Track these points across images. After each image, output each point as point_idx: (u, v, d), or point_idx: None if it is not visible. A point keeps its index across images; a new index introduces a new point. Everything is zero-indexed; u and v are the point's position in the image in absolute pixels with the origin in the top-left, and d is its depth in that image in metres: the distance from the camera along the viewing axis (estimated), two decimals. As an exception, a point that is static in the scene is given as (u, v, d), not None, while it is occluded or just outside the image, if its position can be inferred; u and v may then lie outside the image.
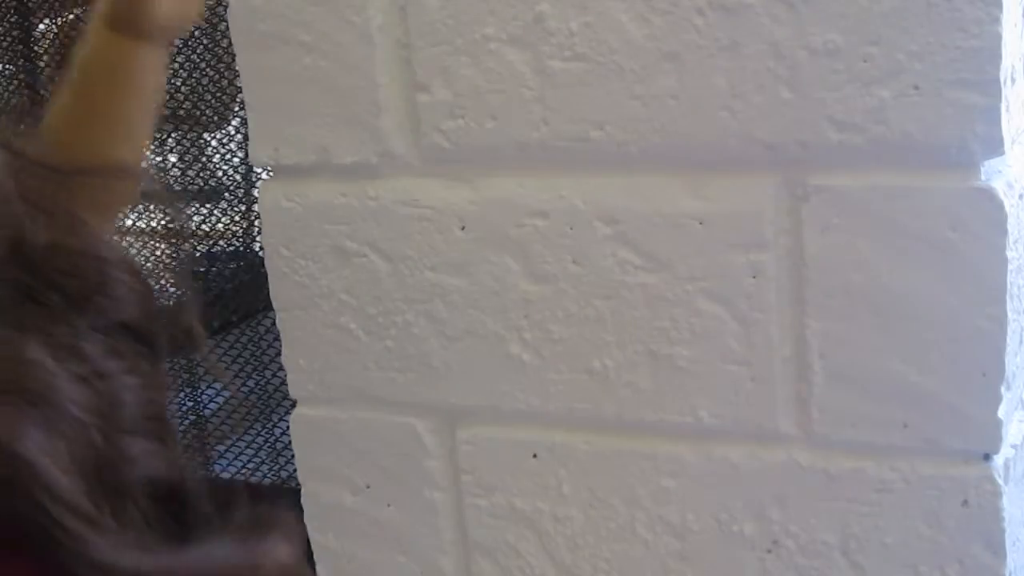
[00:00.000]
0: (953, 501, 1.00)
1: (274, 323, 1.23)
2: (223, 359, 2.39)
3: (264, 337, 2.54)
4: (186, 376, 2.52)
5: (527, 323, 1.11)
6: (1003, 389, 0.97)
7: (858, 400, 1.01)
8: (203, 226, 2.45)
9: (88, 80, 0.96)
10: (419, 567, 1.22)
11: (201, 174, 2.49)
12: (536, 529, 1.16)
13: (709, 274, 1.04)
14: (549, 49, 1.04)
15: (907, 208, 0.97)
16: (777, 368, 1.03)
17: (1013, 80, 0.95)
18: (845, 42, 0.95)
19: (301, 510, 1.24)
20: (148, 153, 0.95)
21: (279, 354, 1.24)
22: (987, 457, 0.99)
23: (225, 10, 1.20)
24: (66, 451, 0.53)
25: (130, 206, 0.72)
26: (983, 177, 0.95)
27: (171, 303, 0.65)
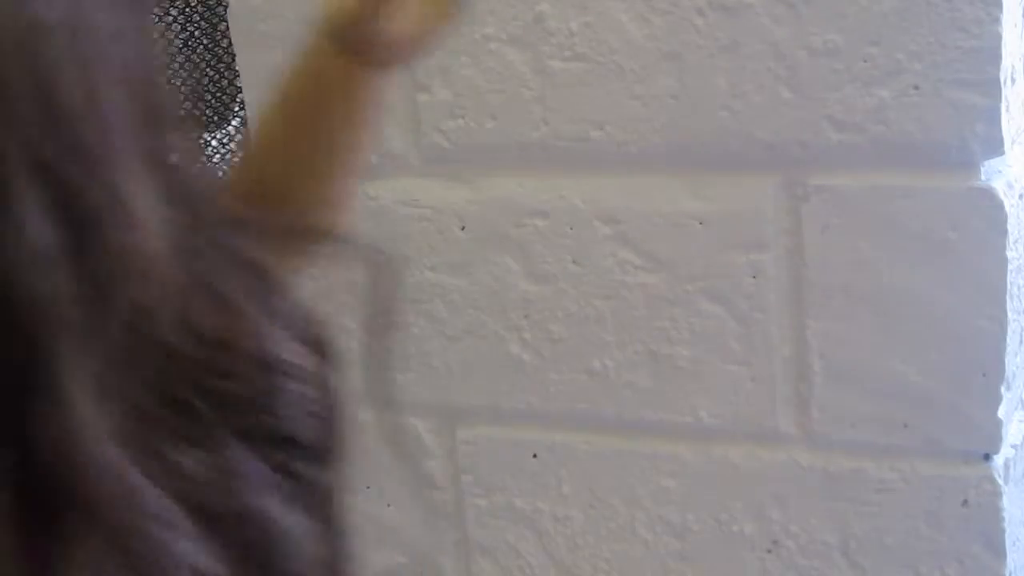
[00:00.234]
0: (953, 501, 1.00)
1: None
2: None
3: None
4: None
5: (527, 323, 1.11)
6: (1003, 389, 0.97)
7: (858, 400, 1.01)
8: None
9: (302, 103, 0.81)
10: (419, 567, 1.22)
11: (201, 174, 2.49)
12: (536, 529, 1.16)
13: (709, 274, 1.04)
14: (549, 49, 1.04)
15: (907, 208, 0.97)
16: (777, 368, 1.03)
17: (1013, 80, 0.95)
18: (845, 42, 0.95)
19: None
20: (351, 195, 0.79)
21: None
22: (987, 457, 0.99)
23: (225, 10, 1.20)
24: None
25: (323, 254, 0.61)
26: (983, 177, 0.95)
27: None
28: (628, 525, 1.12)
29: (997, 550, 1.00)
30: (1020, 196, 0.97)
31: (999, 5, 0.91)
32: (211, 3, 1.25)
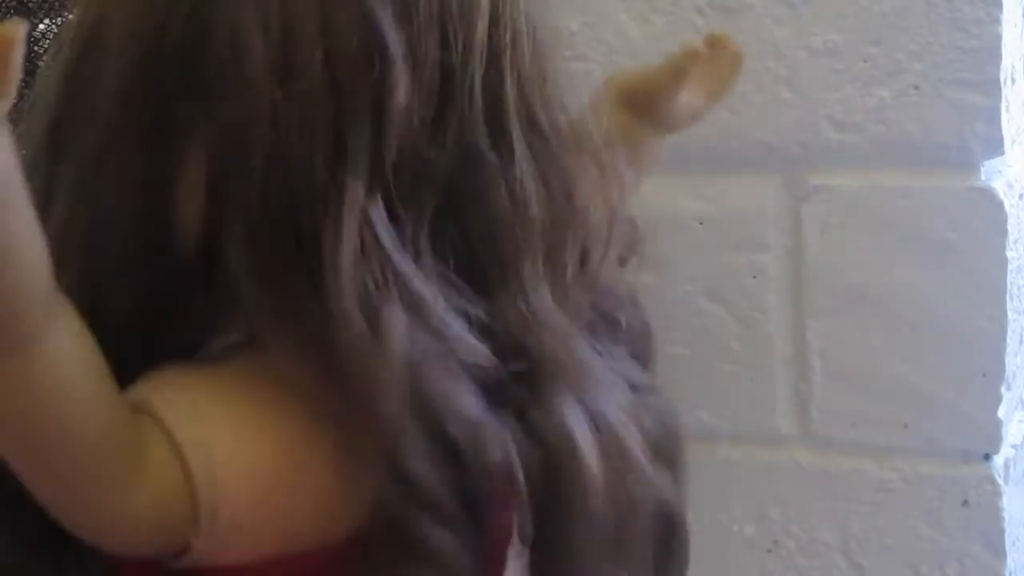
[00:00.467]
0: (953, 501, 1.00)
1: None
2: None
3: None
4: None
5: (527, 323, 1.10)
6: (1003, 389, 0.97)
7: (858, 400, 1.01)
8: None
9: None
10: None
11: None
12: (536, 529, 1.16)
13: (709, 274, 1.04)
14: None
15: (907, 208, 0.97)
16: (777, 368, 1.03)
17: (1013, 80, 0.95)
18: (845, 42, 0.95)
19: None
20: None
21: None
22: (987, 457, 0.99)
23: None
24: None
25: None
26: (983, 177, 0.95)
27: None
28: (628, 525, 1.12)
29: (997, 550, 1.00)
30: (1020, 196, 0.97)
31: (999, 5, 0.91)
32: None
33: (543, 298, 0.63)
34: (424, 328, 0.58)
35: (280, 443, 0.58)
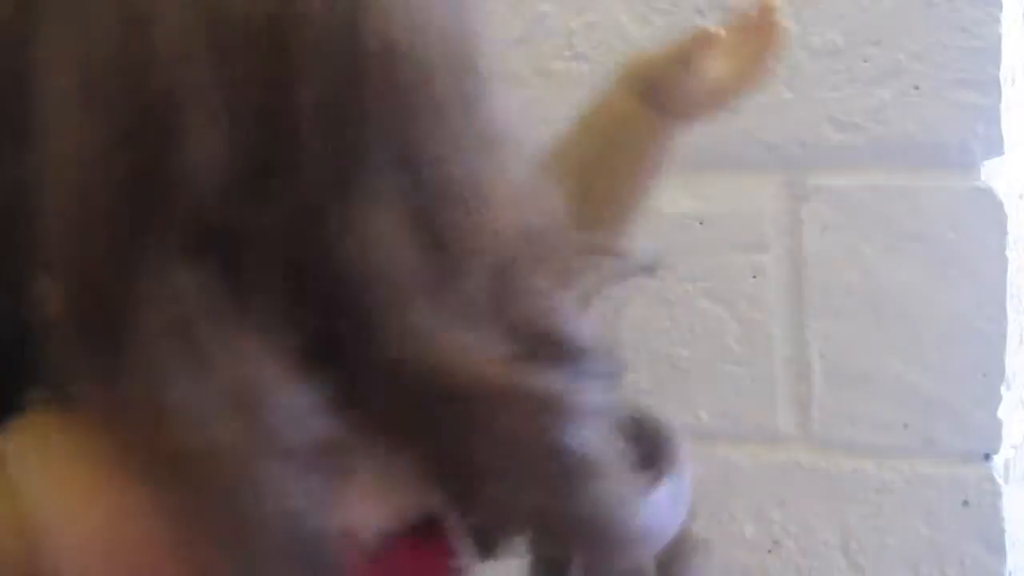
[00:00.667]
0: (953, 501, 1.00)
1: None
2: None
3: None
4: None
5: (527, 323, 1.10)
6: (1003, 389, 0.97)
7: (858, 400, 1.01)
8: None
9: (596, 144, 0.83)
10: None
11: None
12: (536, 529, 1.16)
13: (709, 274, 1.04)
14: (549, 49, 1.04)
15: (907, 208, 0.97)
16: (777, 368, 1.03)
17: (1013, 80, 0.95)
18: (845, 42, 0.95)
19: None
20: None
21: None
22: (987, 457, 0.99)
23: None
24: None
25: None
26: (983, 177, 0.95)
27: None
28: (628, 525, 1.12)
29: (997, 550, 1.00)
30: (1020, 196, 0.97)
31: (999, 5, 0.91)
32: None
33: (438, 349, 0.54)
34: (241, 408, 0.51)
35: (119, 504, 0.54)
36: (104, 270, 0.52)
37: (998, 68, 0.92)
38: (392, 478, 0.56)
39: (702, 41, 0.76)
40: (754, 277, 1.02)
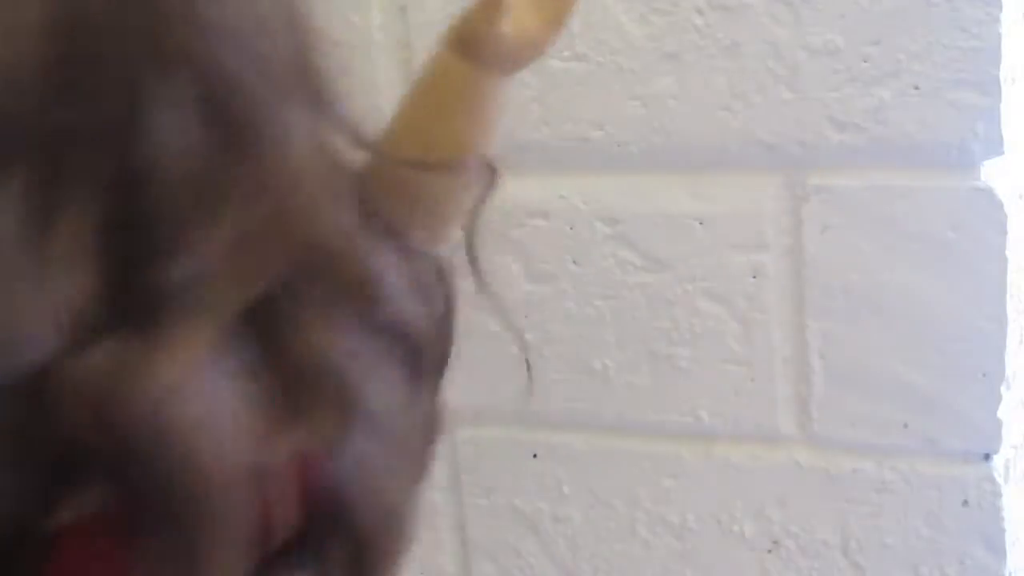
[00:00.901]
0: (953, 501, 1.00)
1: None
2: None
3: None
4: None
5: (527, 323, 1.11)
6: (1003, 389, 0.97)
7: (858, 400, 1.01)
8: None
9: (423, 101, 0.86)
10: (419, 567, 1.22)
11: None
12: (536, 529, 1.16)
13: (709, 274, 1.04)
14: (549, 49, 1.04)
15: (907, 208, 0.97)
16: (777, 368, 1.03)
17: (1013, 80, 0.95)
18: (845, 42, 0.95)
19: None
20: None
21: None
22: (987, 457, 0.99)
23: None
24: None
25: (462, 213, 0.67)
26: (983, 177, 0.95)
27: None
28: (628, 525, 1.12)
29: (997, 550, 1.00)
30: (1020, 196, 0.97)
31: (999, 5, 0.91)
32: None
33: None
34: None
35: None
36: None
37: (998, 68, 0.92)
38: None
39: None
40: (754, 277, 1.02)
